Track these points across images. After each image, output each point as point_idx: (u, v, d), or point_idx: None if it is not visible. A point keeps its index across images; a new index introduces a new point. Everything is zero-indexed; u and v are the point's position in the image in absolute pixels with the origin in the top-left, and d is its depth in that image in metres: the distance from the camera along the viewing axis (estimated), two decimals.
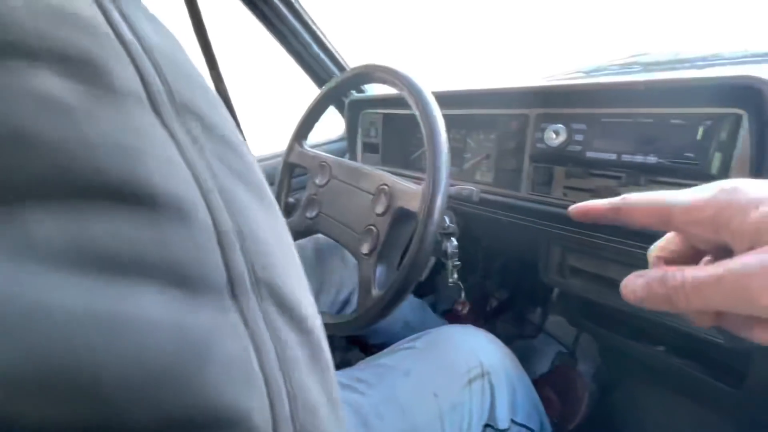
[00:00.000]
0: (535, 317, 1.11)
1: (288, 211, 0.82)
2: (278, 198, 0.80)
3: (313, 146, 0.94)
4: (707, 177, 0.46)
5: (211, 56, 0.95)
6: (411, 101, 0.56)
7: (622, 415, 0.96)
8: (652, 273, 0.20)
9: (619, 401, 0.98)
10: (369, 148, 0.97)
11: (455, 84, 0.80)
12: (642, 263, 0.54)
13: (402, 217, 0.57)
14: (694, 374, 0.70)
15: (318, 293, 0.77)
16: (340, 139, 1.11)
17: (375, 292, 0.57)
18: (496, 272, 1.13)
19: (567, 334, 1.08)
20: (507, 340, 1.13)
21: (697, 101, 0.46)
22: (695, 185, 0.48)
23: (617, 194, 0.54)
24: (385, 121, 0.93)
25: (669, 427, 0.86)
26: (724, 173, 0.45)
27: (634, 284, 0.21)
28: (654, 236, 0.51)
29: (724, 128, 0.44)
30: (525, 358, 1.11)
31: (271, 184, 0.83)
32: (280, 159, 0.82)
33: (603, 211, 0.23)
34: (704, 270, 0.18)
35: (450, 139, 0.88)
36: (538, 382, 0.94)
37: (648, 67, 0.77)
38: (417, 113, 0.55)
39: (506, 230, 0.71)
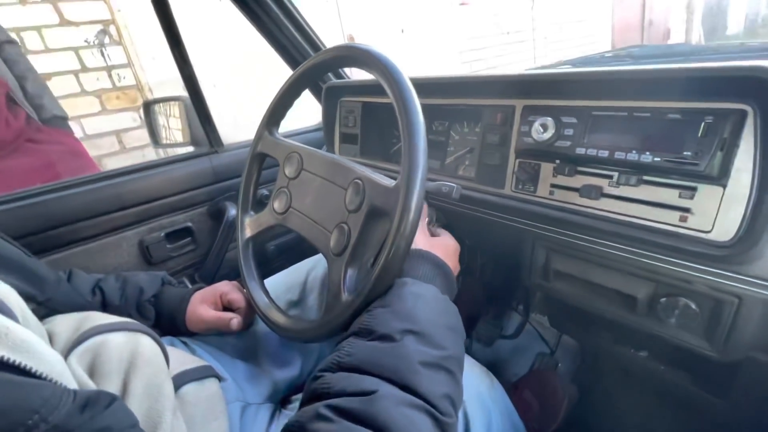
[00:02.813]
0: (517, 317, 1.08)
1: (262, 204, 0.76)
2: (246, 191, 0.74)
3: (287, 135, 0.88)
4: (707, 178, 0.42)
5: (174, 35, 0.87)
6: (386, 87, 0.51)
7: (600, 416, 0.94)
8: None
9: (597, 403, 0.97)
10: (347, 138, 0.91)
11: (438, 71, 0.75)
12: (628, 268, 0.49)
13: (376, 214, 0.52)
14: (676, 381, 0.68)
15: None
16: (317, 129, 1.05)
17: (344, 296, 0.52)
18: (480, 271, 1.10)
19: (550, 331, 1.05)
20: (488, 341, 1.11)
21: (698, 94, 0.42)
22: (692, 186, 0.44)
23: (606, 195, 0.49)
24: (364, 110, 0.87)
25: (647, 430, 0.85)
26: (725, 175, 0.41)
27: None
28: (640, 240, 0.47)
29: (728, 125, 0.40)
30: (506, 359, 1.08)
31: (239, 175, 0.77)
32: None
33: None
34: None
35: (432, 131, 0.84)
36: (518, 386, 0.91)
37: (640, 60, 0.73)
38: (392, 100, 0.50)
39: (490, 229, 0.66)
